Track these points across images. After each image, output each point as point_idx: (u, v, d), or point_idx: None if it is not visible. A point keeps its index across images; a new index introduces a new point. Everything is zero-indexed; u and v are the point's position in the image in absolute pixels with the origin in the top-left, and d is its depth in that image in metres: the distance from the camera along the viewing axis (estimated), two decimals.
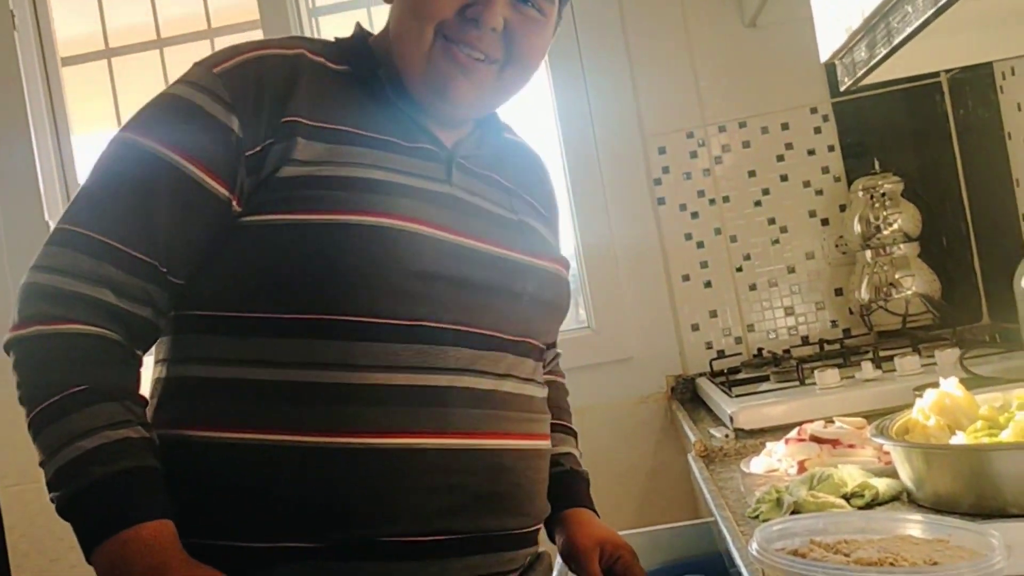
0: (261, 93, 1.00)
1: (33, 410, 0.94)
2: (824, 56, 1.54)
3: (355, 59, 1.10)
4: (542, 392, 1.17)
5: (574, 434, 1.38)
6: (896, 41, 1.24)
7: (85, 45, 2.63)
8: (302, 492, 0.96)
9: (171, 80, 1.06)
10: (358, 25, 1.17)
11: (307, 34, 2.51)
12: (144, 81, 2.63)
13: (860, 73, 1.44)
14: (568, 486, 1.29)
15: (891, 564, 0.70)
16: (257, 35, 2.48)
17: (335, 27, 2.55)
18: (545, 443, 1.15)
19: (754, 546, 0.73)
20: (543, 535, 1.22)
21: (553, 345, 1.37)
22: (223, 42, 2.59)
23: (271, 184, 0.99)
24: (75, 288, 0.95)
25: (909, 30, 1.19)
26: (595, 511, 1.31)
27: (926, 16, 1.13)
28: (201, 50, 2.64)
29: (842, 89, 1.55)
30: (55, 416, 0.93)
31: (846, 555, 0.73)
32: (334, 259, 0.96)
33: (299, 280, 0.97)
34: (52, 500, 0.93)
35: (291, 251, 0.97)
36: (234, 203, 0.99)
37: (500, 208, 1.14)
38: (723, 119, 2.32)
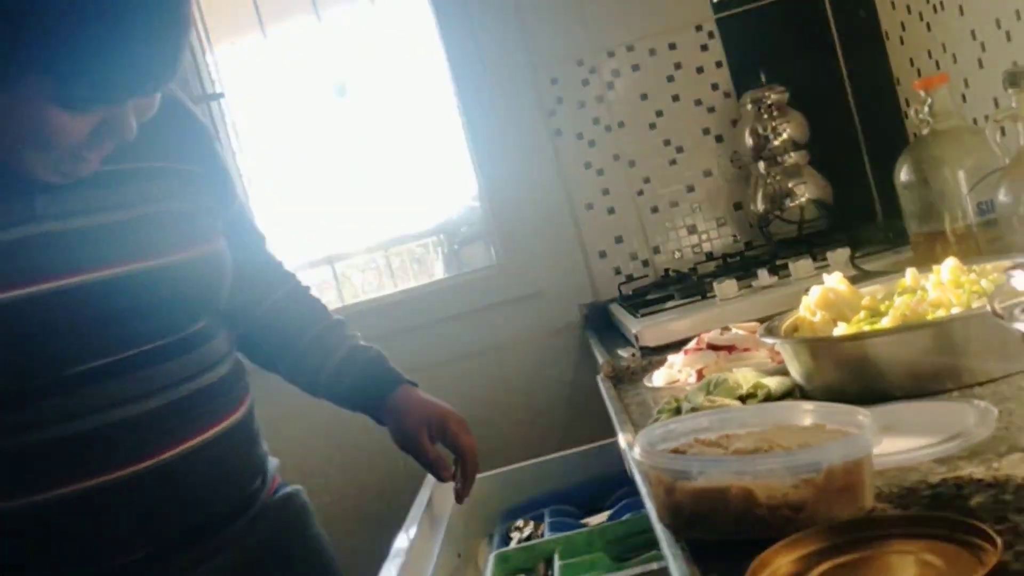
0: None
1: None
2: None
3: None
4: (223, 370, 1.12)
5: (340, 322, 1.35)
6: None
7: None
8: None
9: None
10: None
11: None
12: None
13: None
14: (364, 369, 1.30)
15: (766, 451, 0.71)
16: None
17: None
18: (235, 417, 1.13)
19: (636, 448, 0.74)
20: None
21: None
22: None
23: None
24: None
25: None
26: (403, 380, 1.31)
27: None
28: None
29: (716, 2, 1.55)
30: None
31: (725, 448, 0.74)
32: None
33: None
34: None
35: None
36: None
37: (108, 213, 1.01)
38: (611, 44, 2.31)
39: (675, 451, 0.74)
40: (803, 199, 2.12)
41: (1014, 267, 0.73)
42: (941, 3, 1.69)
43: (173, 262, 1.05)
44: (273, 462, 1.23)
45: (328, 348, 1.31)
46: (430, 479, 1.53)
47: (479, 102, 2.32)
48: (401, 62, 2.47)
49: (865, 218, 2.25)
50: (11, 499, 0.97)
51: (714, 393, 1.15)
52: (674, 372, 1.34)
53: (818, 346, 1.08)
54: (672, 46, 2.31)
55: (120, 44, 0.88)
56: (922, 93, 1.41)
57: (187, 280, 1.06)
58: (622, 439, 1.12)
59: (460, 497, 1.33)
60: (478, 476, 1.35)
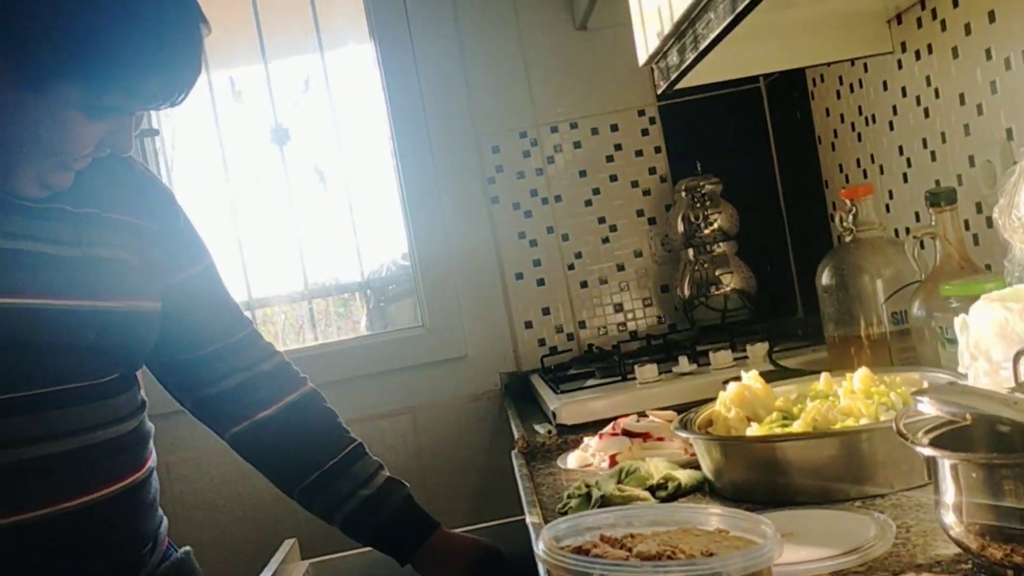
0: None
1: None
2: (641, 60, 1.58)
3: None
4: (131, 425, 1.11)
5: (361, 444, 1.35)
6: (702, 46, 1.29)
7: None
8: None
9: None
10: None
11: None
12: None
13: (673, 77, 1.48)
14: (399, 511, 1.30)
15: (669, 556, 0.71)
16: None
17: None
18: (139, 475, 1.10)
19: (540, 545, 0.73)
20: None
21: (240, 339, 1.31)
22: None
23: None
24: None
25: (712, 35, 1.23)
26: (437, 523, 1.31)
27: (726, 23, 1.17)
28: None
29: (658, 92, 1.60)
30: None
31: (630, 549, 0.74)
32: None
33: None
34: None
35: None
36: None
37: (56, 246, 1.02)
38: (555, 119, 2.35)
39: (579, 549, 0.74)
40: (728, 288, 2.16)
41: (921, 392, 0.75)
42: (873, 117, 1.76)
43: (105, 307, 1.04)
44: (163, 522, 1.20)
45: (357, 479, 1.28)
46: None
47: (419, 160, 2.33)
48: (344, 113, 2.47)
49: (786, 312, 2.30)
50: None
51: (625, 482, 1.15)
52: (588, 455, 1.34)
53: (729, 445, 1.09)
54: (614, 127, 2.35)
55: (154, 55, 0.93)
56: (848, 202, 1.46)
57: (115, 329, 1.05)
58: (529, 520, 1.11)
59: None
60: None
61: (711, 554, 0.73)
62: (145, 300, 1.11)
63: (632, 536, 0.78)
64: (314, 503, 1.29)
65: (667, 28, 1.37)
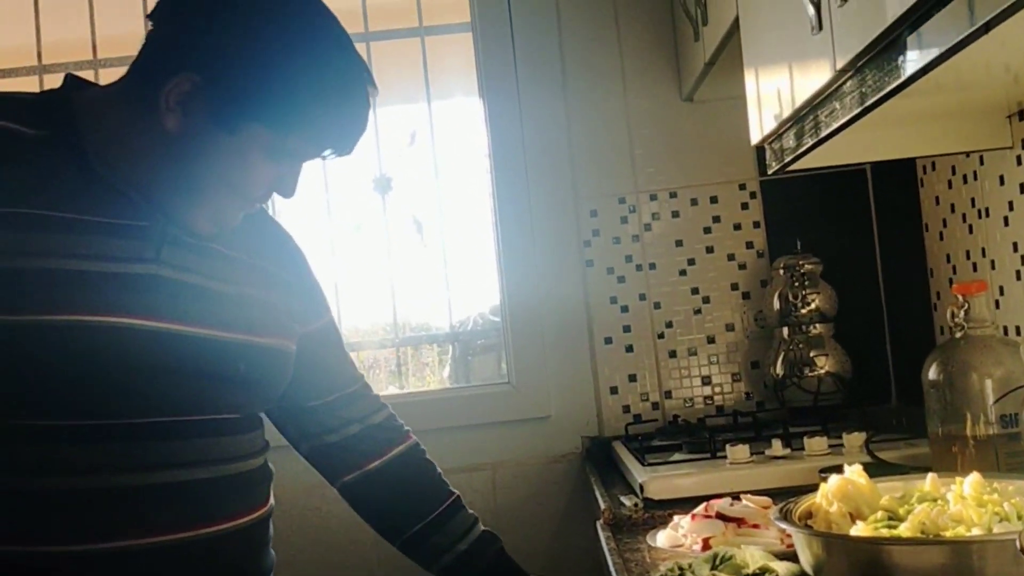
0: None
1: None
2: (755, 139, 1.59)
3: (53, 123, 1.03)
4: (258, 462, 1.16)
5: (459, 497, 1.38)
6: (823, 134, 1.29)
7: (18, 58, 2.57)
8: None
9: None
10: (66, 78, 1.10)
11: None
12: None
13: (787, 159, 1.48)
14: (494, 563, 1.33)
15: None
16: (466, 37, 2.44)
17: None
18: (254, 516, 1.13)
19: None
20: None
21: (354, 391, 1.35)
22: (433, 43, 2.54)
23: None
24: None
25: (836, 125, 1.23)
26: (524, 573, 1.36)
27: (853, 114, 1.17)
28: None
29: (770, 172, 1.60)
30: None
31: None
32: (12, 365, 0.94)
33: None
34: None
35: None
36: None
37: (215, 281, 1.10)
38: (655, 188, 2.36)
39: None
40: (822, 371, 2.12)
41: None
42: (987, 210, 1.73)
43: (256, 342, 1.11)
44: (273, 563, 1.22)
45: (455, 533, 1.33)
46: None
47: (517, 217, 2.36)
48: (446, 164, 2.52)
49: (880, 399, 2.25)
50: (20, 545, 0.95)
51: (720, 569, 1.13)
52: (678, 535, 1.32)
53: (833, 542, 1.07)
54: (714, 199, 2.35)
55: (337, 107, 1.04)
56: (960, 297, 1.43)
57: (262, 362, 1.12)
58: None
59: None
60: None
61: None
62: (287, 340, 1.18)
63: None
64: (415, 553, 1.33)
65: (786, 111, 1.38)
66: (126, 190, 1.03)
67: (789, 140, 1.45)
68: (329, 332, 1.32)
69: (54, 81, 2.57)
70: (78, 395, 0.96)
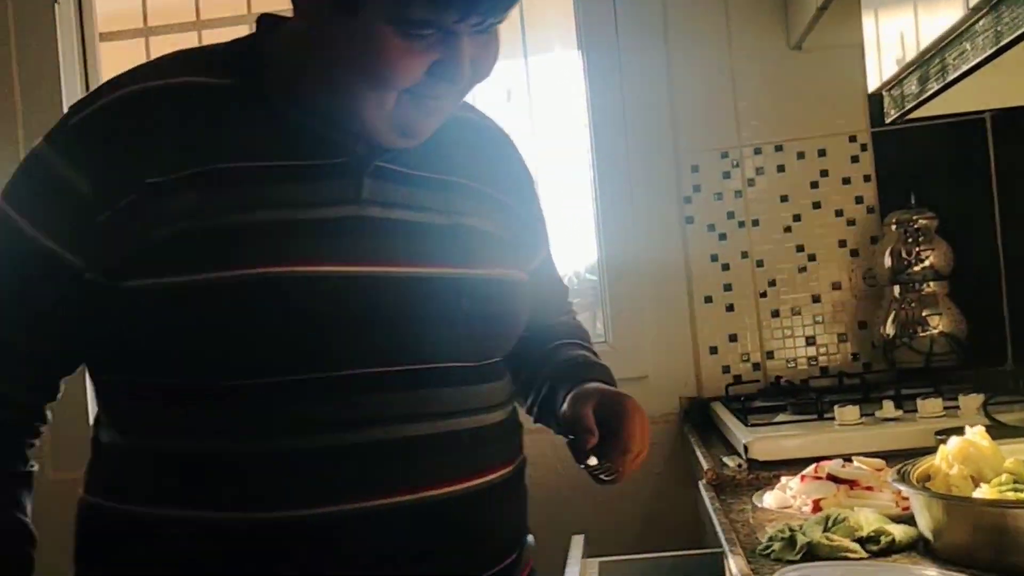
0: (114, 149, 0.92)
1: None
2: (872, 86, 1.51)
3: (239, 70, 0.97)
4: (500, 416, 1.03)
5: (587, 348, 1.23)
6: (951, 77, 1.21)
7: (124, 22, 2.63)
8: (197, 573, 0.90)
9: None
10: (259, 19, 1.03)
11: None
12: None
13: (908, 106, 1.41)
14: (580, 359, 1.17)
15: None
16: None
17: None
18: (504, 472, 1.02)
19: None
20: None
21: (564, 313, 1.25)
22: None
23: (144, 247, 0.90)
24: None
25: (965, 67, 1.16)
26: (612, 382, 1.16)
27: (986, 55, 1.10)
28: (241, 32, 2.63)
29: (888, 121, 1.52)
30: None
31: None
32: (211, 322, 0.88)
33: (185, 348, 0.90)
34: None
35: (170, 318, 0.89)
36: (85, 270, 0.91)
37: (426, 213, 0.99)
38: (759, 141, 2.28)
39: None
40: (935, 331, 2.04)
41: None
42: None
43: (477, 275, 1.00)
44: (530, 540, 1.09)
45: (560, 335, 1.21)
46: None
47: (615, 173, 2.31)
48: (543, 119, 2.48)
49: (995, 360, 2.15)
50: (256, 510, 0.89)
51: (832, 530, 1.10)
52: (787, 496, 1.28)
53: (954, 505, 1.02)
54: (822, 152, 2.26)
55: None
56: None
57: (489, 298, 1.00)
58: (733, 562, 1.07)
59: (598, 475, 1.05)
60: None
61: None
62: (514, 269, 1.05)
63: None
64: (519, 364, 1.16)
65: (910, 55, 1.30)
66: (314, 126, 0.95)
67: (911, 86, 1.37)
68: (552, 261, 1.21)
69: (159, 45, 2.62)
70: (297, 350, 0.90)
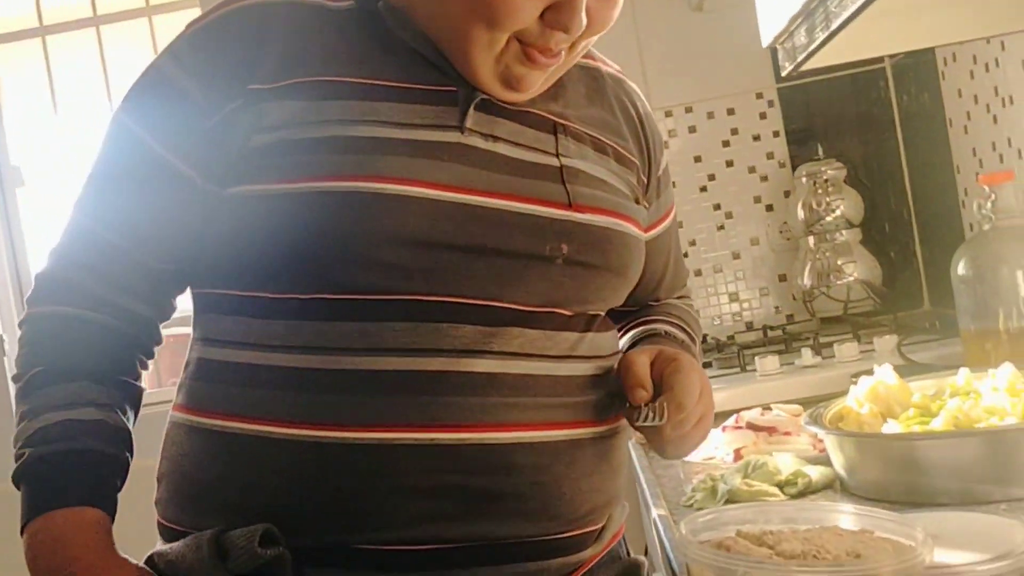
0: (225, 56, 0.90)
1: (14, 392, 0.95)
2: (765, 41, 1.53)
3: None
4: (590, 369, 0.94)
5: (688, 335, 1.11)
6: (834, 25, 1.24)
7: (19, 23, 2.56)
8: (268, 490, 0.87)
9: (109, 60, 1.01)
10: None
11: None
12: (80, 60, 2.56)
13: (800, 58, 1.43)
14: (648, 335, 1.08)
15: (814, 556, 0.69)
16: (195, 13, 2.41)
17: None
18: (586, 431, 0.92)
19: (680, 536, 0.72)
20: None
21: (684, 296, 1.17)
22: (161, 21, 2.53)
23: (245, 154, 0.89)
24: (65, 274, 0.95)
25: (846, 15, 1.18)
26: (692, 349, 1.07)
27: (862, 1, 1.12)
28: (140, 28, 2.59)
29: (783, 75, 1.55)
30: (18, 398, 0.93)
31: (771, 547, 0.72)
32: (302, 232, 0.86)
33: (269, 256, 0.88)
34: None
35: (261, 226, 0.88)
36: (197, 179, 0.91)
37: (535, 152, 0.94)
38: (669, 103, 2.31)
39: (719, 545, 0.72)
40: (851, 278, 2.09)
41: None
42: (1011, 98, 1.67)
43: (595, 220, 0.93)
44: (625, 512, 1.01)
45: (665, 312, 1.12)
46: None
47: None
48: None
49: (912, 303, 2.21)
50: (336, 430, 0.85)
51: (752, 477, 1.12)
52: (711, 448, 1.31)
53: (865, 442, 1.05)
54: (731, 111, 2.30)
55: None
56: (986, 188, 1.39)
57: (592, 245, 0.93)
58: (656, 514, 1.09)
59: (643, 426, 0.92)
60: None
61: (857, 555, 0.70)
62: (629, 221, 0.97)
63: (771, 533, 0.76)
64: None
65: (795, 7, 1.32)
66: (428, 54, 0.92)
67: (800, 37, 1.40)
68: (675, 231, 1.14)
69: (55, 43, 2.55)
70: (380, 270, 0.86)
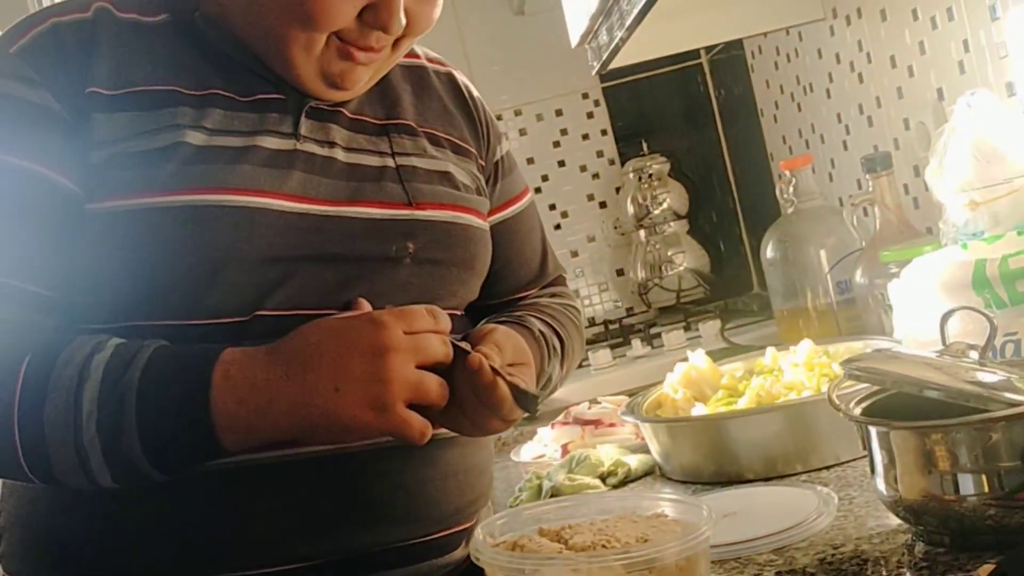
0: (64, 63, 0.85)
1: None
2: (574, 42, 1.57)
3: (172, 6, 0.92)
4: None
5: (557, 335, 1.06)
6: (628, 22, 1.27)
7: None
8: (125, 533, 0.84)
9: None
10: None
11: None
12: None
13: (605, 56, 1.47)
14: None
15: (603, 546, 0.70)
16: None
17: None
18: (447, 430, 0.90)
19: (475, 541, 0.72)
20: None
21: (551, 283, 1.16)
22: None
23: (88, 167, 0.83)
24: None
25: (635, 11, 1.22)
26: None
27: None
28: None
29: (593, 73, 1.58)
30: (31, 395, 0.78)
31: (565, 541, 0.73)
32: (143, 253, 0.82)
33: (116, 281, 0.83)
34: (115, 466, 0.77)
35: (106, 245, 0.83)
36: (79, 191, 0.84)
37: (369, 155, 0.94)
38: (498, 107, 2.33)
39: (515, 545, 0.72)
40: (681, 268, 2.15)
41: (849, 361, 0.74)
42: (811, 86, 1.75)
43: (424, 216, 0.93)
44: (491, 512, 1.01)
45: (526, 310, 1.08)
46: None
47: None
48: None
49: (743, 288, 2.29)
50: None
51: (576, 471, 1.13)
52: (541, 446, 1.32)
53: (674, 426, 1.08)
54: (559, 112, 2.33)
55: None
56: (787, 173, 1.45)
57: (440, 241, 0.93)
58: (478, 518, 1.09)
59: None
60: None
61: (646, 540, 0.71)
62: (470, 212, 0.97)
63: (570, 527, 0.76)
64: None
65: (594, 7, 1.36)
66: (251, 64, 0.90)
67: (603, 36, 1.44)
68: (525, 218, 1.11)
69: None
70: (229, 289, 0.83)
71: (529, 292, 1.12)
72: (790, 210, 1.46)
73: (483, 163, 1.05)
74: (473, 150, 1.03)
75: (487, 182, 1.05)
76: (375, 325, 0.79)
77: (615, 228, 2.33)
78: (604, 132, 2.34)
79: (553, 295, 1.15)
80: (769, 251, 1.47)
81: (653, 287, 2.17)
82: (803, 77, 1.77)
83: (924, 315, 0.90)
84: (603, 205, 2.34)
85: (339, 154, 0.92)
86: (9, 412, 0.77)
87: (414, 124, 0.98)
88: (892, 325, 1.18)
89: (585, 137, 2.34)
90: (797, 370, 1.10)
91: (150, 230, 0.82)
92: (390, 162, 0.94)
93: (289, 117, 0.90)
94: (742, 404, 1.07)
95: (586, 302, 2.34)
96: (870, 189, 1.29)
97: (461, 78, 1.08)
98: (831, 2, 1.56)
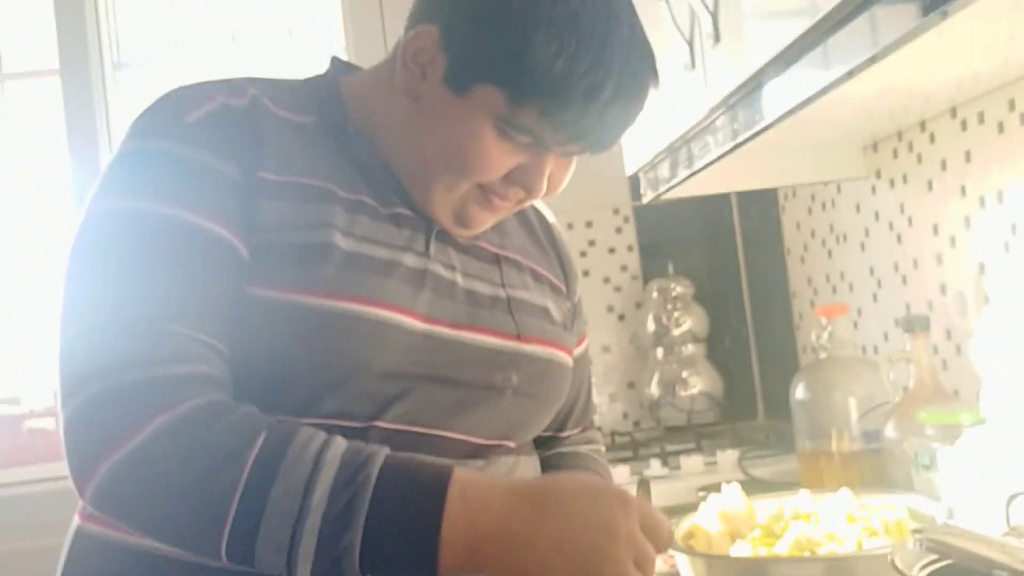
0: (238, 139, 0.87)
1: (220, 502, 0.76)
2: (629, 170, 1.64)
3: (321, 109, 0.95)
4: None
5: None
6: (696, 167, 1.34)
7: None
8: None
9: None
10: (333, 61, 1.01)
11: (107, 88, 2.41)
12: None
13: (661, 189, 1.54)
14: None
15: None
16: (55, 85, 2.36)
17: (137, 81, 2.48)
18: None
19: None
20: None
21: (586, 428, 1.23)
22: (12, 88, 2.46)
23: (252, 248, 0.86)
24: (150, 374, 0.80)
25: (709, 159, 1.28)
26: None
27: (725, 149, 1.22)
28: None
29: (645, 201, 1.65)
30: (261, 472, 0.76)
31: None
32: (281, 345, 0.84)
33: (250, 364, 0.84)
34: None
35: (249, 329, 0.84)
36: (242, 248, 0.86)
37: (483, 283, 0.97)
38: None
39: None
40: (695, 390, 2.20)
41: (920, 531, 0.78)
42: (844, 236, 1.83)
43: (539, 352, 0.97)
44: None
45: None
46: None
47: None
48: None
49: (748, 415, 2.34)
50: None
51: None
52: None
53: (715, 562, 1.11)
54: (589, 224, 2.41)
55: (594, 86, 0.84)
56: (823, 320, 1.51)
57: (541, 374, 0.98)
58: None
59: None
60: None
61: None
62: (562, 351, 1.02)
63: None
64: None
65: (661, 144, 1.43)
66: (392, 183, 0.93)
67: (664, 170, 1.50)
68: (586, 359, 1.18)
69: None
70: (352, 396, 0.85)
71: (573, 433, 1.18)
72: (823, 355, 1.51)
73: (569, 303, 1.10)
74: (564, 288, 1.09)
75: (573, 322, 1.10)
76: (624, 506, 0.79)
77: (631, 341, 2.38)
78: (630, 248, 2.41)
79: (588, 441, 1.23)
80: (799, 392, 1.52)
81: (665, 405, 2.21)
82: (837, 227, 1.85)
83: (978, 488, 0.95)
84: (621, 318, 2.40)
85: (459, 278, 0.95)
86: (235, 484, 0.76)
87: (520, 258, 1.03)
88: (921, 482, 1.23)
89: (612, 250, 2.41)
90: (835, 518, 1.14)
91: (295, 326, 0.84)
92: (501, 292, 0.98)
93: (422, 235, 0.94)
94: (782, 548, 1.10)
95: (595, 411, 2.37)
96: (907, 347, 1.35)
97: (551, 217, 1.15)
98: (875, 163, 1.65)
